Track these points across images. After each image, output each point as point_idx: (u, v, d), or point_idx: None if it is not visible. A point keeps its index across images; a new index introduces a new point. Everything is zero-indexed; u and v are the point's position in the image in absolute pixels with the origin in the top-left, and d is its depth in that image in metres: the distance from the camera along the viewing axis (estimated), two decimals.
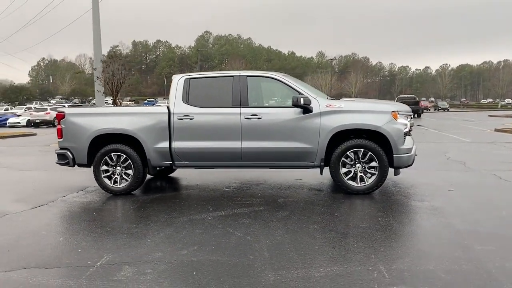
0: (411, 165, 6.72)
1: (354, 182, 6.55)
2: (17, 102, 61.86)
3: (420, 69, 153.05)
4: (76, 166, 7.20)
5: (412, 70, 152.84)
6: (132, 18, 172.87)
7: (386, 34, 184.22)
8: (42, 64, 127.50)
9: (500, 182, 7.30)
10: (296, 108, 6.53)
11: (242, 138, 6.69)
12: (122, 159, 6.98)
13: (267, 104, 6.97)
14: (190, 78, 7.09)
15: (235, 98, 6.79)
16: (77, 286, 3.47)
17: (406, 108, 6.88)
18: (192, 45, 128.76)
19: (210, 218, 5.42)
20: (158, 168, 7.34)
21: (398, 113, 6.51)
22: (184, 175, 8.71)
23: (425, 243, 4.33)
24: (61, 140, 7.19)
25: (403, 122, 6.52)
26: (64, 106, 31.00)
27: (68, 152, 7.12)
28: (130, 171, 6.98)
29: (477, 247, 4.14)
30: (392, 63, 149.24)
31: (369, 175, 6.53)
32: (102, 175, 7.03)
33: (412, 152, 6.61)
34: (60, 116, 7.17)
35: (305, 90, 6.70)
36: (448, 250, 4.07)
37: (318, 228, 4.88)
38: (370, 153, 6.46)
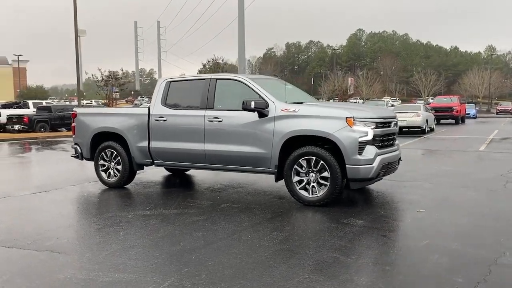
0: (373, 178, 5.93)
1: (307, 193, 6.07)
2: None
3: None
4: (84, 159, 8.19)
5: None
6: (288, 20, 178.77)
7: None
8: (207, 66, 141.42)
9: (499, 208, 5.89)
10: (252, 112, 6.35)
11: (205, 140, 6.78)
12: (114, 155, 7.70)
13: (232, 108, 6.86)
14: (171, 81, 7.43)
15: (202, 100, 6.92)
16: None
17: (373, 114, 6.06)
18: (344, 44, 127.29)
19: (130, 216, 5.71)
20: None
21: (354, 120, 5.81)
22: (197, 174, 9.06)
23: (260, 263, 3.91)
24: (74, 136, 8.26)
25: (361, 130, 5.80)
26: None
27: (78, 147, 8.15)
28: (120, 167, 7.65)
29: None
30: None
31: (321, 185, 5.97)
32: (100, 169, 7.85)
33: (374, 164, 5.80)
34: (74, 115, 8.24)
35: (266, 93, 6.44)
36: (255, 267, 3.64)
37: (201, 236, 4.77)
38: (321, 162, 5.91)
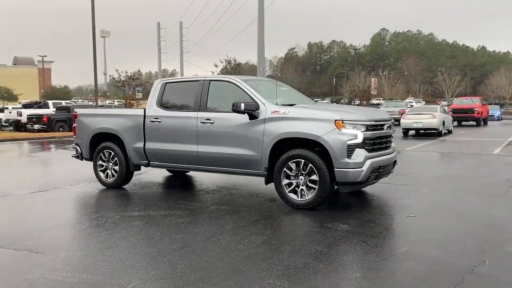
0: (363, 182, 5.79)
1: (296, 196, 5.99)
2: None
3: None
4: (84, 160, 8.30)
5: None
6: (310, 20, 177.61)
7: None
8: (228, 67, 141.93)
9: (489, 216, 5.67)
10: (242, 114, 6.30)
11: (198, 142, 6.78)
12: (111, 156, 7.78)
13: (225, 109, 6.82)
14: (166, 83, 7.46)
15: (196, 102, 6.92)
16: None
17: (363, 117, 5.92)
18: (368, 43, 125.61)
19: (117, 217, 5.75)
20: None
21: (343, 122, 5.69)
22: (197, 175, 9.06)
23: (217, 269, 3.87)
24: (75, 136, 8.38)
25: (350, 133, 5.68)
26: None
27: (78, 147, 8.27)
28: (117, 167, 7.72)
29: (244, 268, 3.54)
30: None
31: (310, 189, 5.88)
32: (98, 169, 7.94)
33: (364, 168, 5.68)
34: (74, 116, 8.37)
35: (257, 94, 6.38)
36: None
37: (179, 238, 4.76)
38: (310, 165, 5.82)
